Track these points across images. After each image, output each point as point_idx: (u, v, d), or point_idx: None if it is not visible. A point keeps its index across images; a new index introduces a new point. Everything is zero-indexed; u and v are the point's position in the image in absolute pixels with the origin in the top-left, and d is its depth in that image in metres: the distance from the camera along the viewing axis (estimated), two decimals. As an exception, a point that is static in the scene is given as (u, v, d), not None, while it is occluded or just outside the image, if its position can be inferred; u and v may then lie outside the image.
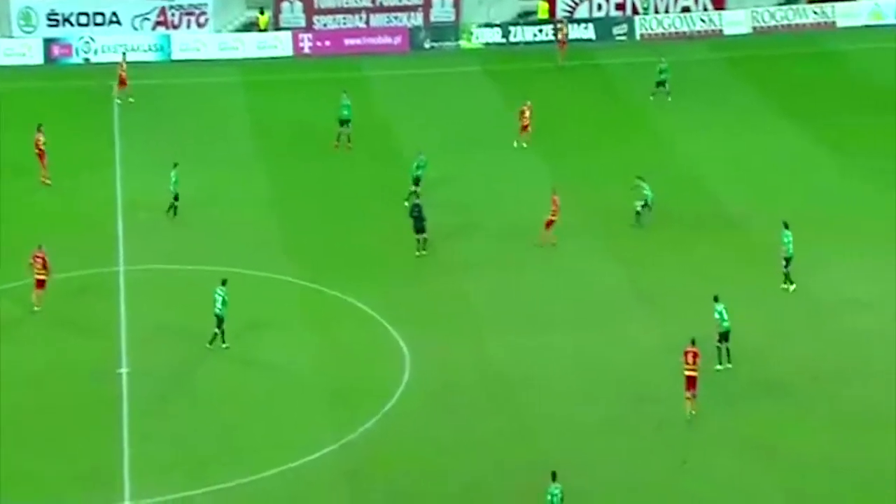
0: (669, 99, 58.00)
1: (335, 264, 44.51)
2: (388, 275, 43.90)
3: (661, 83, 58.32)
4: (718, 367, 38.32)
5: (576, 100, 60.11)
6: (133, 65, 60.70)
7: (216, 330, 39.33)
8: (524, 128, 53.69)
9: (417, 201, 45.41)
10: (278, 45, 65.42)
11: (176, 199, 47.22)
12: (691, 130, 56.15)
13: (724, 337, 38.41)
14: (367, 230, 46.49)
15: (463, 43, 66.96)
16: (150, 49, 64.22)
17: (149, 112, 57.54)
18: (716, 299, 38.62)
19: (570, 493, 31.77)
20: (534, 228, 45.79)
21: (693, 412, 36.30)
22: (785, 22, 69.73)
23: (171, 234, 46.90)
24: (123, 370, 38.59)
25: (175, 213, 47.28)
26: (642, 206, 46.82)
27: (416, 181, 48.00)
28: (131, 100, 57.99)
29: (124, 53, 61.26)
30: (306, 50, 65.46)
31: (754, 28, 69.54)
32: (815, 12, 69.88)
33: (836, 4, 69.96)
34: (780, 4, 70.44)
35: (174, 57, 64.13)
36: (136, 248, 45.65)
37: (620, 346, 40.13)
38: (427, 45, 66.60)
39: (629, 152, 53.40)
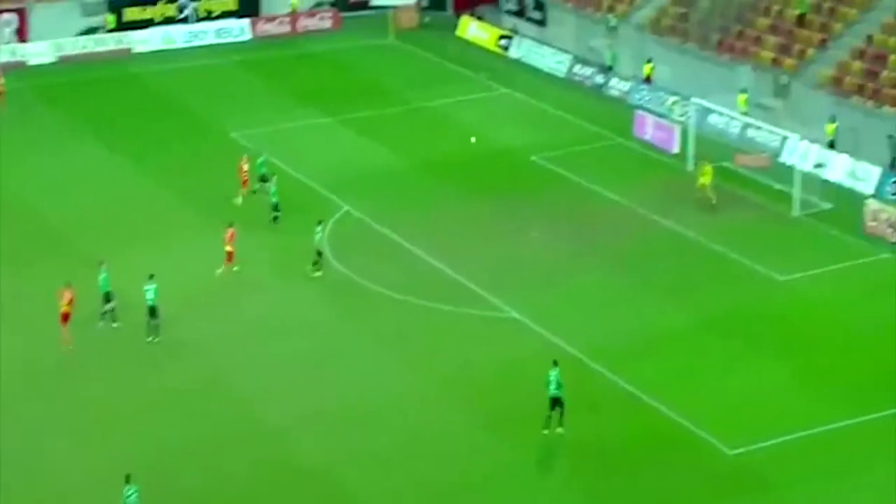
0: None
1: None
2: None
3: (263, 178, 51.44)
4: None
5: None
6: None
7: None
8: (244, 183, 50.60)
9: None
10: None
11: None
12: (16, 155, 55.45)
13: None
14: None
15: None
16: None
17: None
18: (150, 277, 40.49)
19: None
20: None
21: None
22: (87, 50, 70.16)
23: None
24: None
25: None
26: None
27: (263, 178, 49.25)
28: None
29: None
30: None
31: (59, 57, 69.43)
32: (115, 40, 70.98)
33: (132, 32, 71.41)
34: (82, 34, 70.86)
35: None
36: None
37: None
38: None
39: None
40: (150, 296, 40.45)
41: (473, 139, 56.67)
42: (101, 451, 35.05)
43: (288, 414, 36.76)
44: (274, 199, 48.94)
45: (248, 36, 73.72)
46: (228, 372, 39.02)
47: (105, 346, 40.46)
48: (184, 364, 39.42)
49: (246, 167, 51.03)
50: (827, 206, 50.39)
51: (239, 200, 50.56)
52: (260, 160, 51.70)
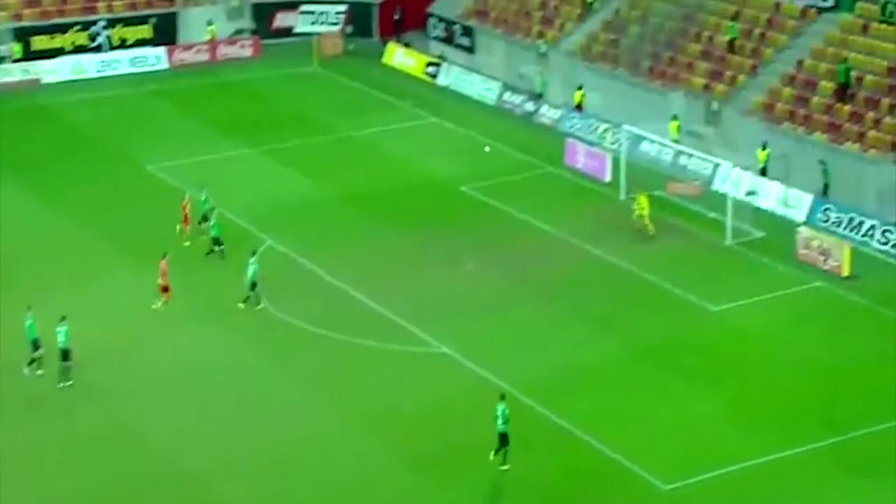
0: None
1: None
2: None
3: (205, 217, 50.92)
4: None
5: None
6: None
7: None
8: (185, 221, 50.24)
9: None
10: None
11: None
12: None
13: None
14: None
15: None
16: None
17: None
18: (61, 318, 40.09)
19: None
20: None
21: None
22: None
23: None
24: None
25: None
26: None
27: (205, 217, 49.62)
28: None
29: None
30: None
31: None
32: (23, 70, 70.73)
33: (41, 62, 71.14)
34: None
35: None
36: None
37: None
38: None
39: None
40: (61, 338, 40.10)
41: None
42: (13, 501, 34.68)
43: (207, 459, 36.56)
44: (213, 234, 48.86)
45: (164, 65, 73.68)
46: (145, 416, 38.76)
47: (16, 392, 40.03)
48: (98, 408, 39.09)
49: (188, 206, 50.77)
50: (759, 234, 51.17)
51: (180, 232, 50.45)
52: (202, 199, 51.39)
